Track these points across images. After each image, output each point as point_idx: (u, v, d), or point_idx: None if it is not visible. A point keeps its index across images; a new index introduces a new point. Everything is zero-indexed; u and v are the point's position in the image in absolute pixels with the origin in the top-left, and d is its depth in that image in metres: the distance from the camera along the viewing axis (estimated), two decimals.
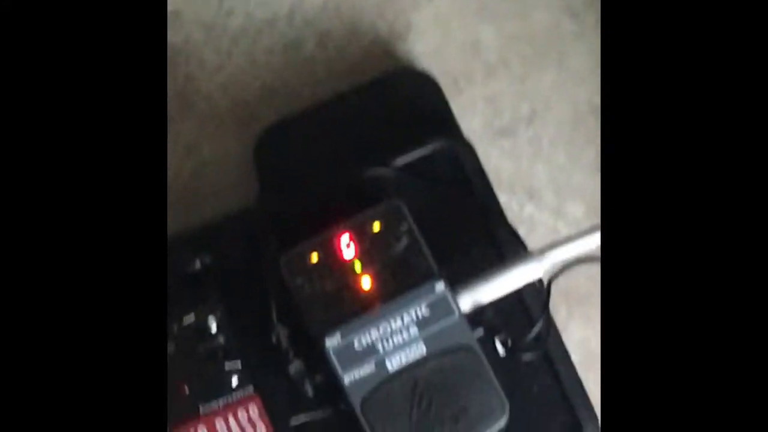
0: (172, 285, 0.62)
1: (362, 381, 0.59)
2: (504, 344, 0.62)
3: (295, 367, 0.61)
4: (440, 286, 0.60)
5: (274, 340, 0.62)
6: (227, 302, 0.63)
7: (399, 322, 0.60)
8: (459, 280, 0.61)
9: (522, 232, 0.66)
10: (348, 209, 0.63)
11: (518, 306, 0.64)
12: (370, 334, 0.60)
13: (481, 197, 0.66)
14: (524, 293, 0.64)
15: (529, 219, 0.70)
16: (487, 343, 0.61)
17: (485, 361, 0.60)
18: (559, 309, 0.69)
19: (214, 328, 0.63)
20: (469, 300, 0.61)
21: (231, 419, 0.62)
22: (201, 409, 0.62)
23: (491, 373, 0.60)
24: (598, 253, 0.57)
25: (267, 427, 0.62)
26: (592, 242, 0.61)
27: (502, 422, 0.60)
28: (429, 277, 0.61)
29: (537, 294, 0.64)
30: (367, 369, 0.60)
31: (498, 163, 0.71)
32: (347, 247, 0.61)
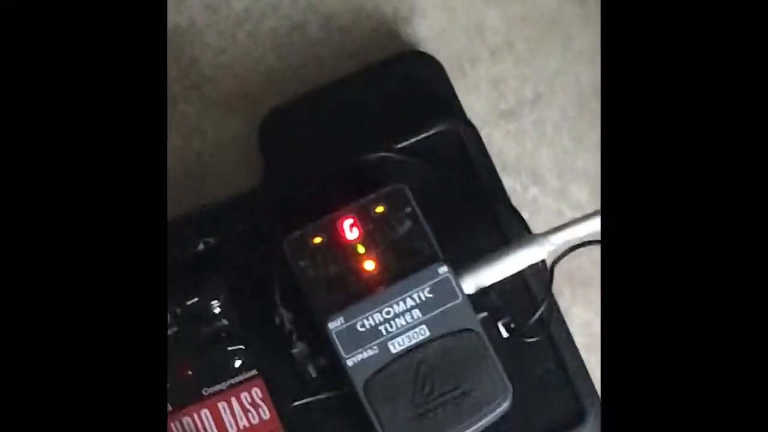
0: (175, 267, 0.62)
1: (365, 363, 0.60)
2: (507, 327, 0.62)
3: (298, 349, 0.61)
4: (443, 269, 0.60)
5: (277, 322, 0.62)
6: (231, 284, 0.63)
7: (402, 304, 0.60)
8: (462, 263, 0.61)
9: (526, 214, 0.66)
10: (352, 192, 0.63)
11: (522, 289, 0.64)
12: (373, 316, 0.60)
13: (484, 180, 0.66)
14: (528, 276, 0.64)
15: (533, 202, 0.70)
16: (491, 326, 0.62)
17: (488, 344, 0.60)
18: (562, 292, 0.69)
19: (217, 311, 0.63)
20: (472, 283, 0.61)
21: (234, 402, 0.62)
22: (204, 391, 0.62)
23: (494, 356, 0.60)
24: None
25: (270, 409, 0.62)
26: (596, 225, 0.61)
27: (506, 405, 0.60)
28: (432, 260, 0.61)
29: (540, 277, 0.64)
30: (370, 351, 0.60)
31: (502, 145, 0.71)
32: (351, 230, 0.62)
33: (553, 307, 0.64)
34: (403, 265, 0.61)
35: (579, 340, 0.65)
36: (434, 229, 0.62)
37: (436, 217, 0.62)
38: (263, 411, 0.62)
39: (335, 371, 0.61)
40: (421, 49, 0.71)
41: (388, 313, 0.60)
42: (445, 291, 0.60)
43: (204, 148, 0.71)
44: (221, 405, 0.62)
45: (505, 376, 0.60)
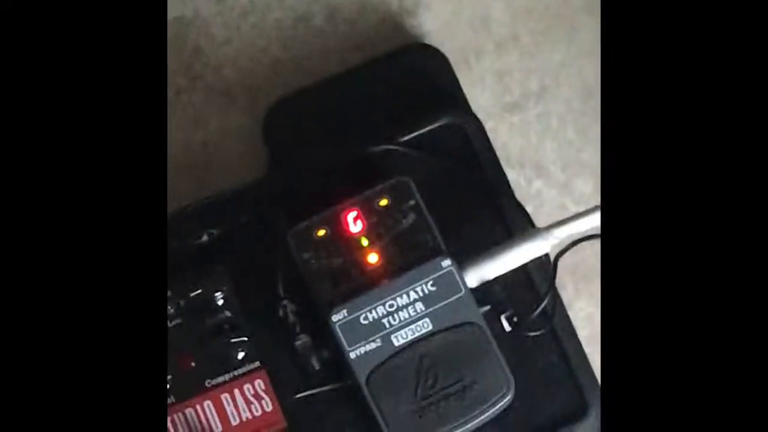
0: (178, 258, 0.62)
1: (368, 356, 0.60)
2: (510, 321, 0.62)
3: (301, 341, 0.61)
4: (447, 262, 0.60)
5: (280, 314, 0.62)
6: (234, 276, 0.64)
7: (405, 297, 0.60)
8: (466, 256, 0.61)
9: (530, 208, 0.66)
10: (356, 184, 0.63)
11: (525, 283, 0.64)
12: (376, 309, 0.60)
13: (489, 173, 0.66)
14: (531, 270, 0.64)
15: (537, 195, 0.70)
16: (494, 320, 0.62)
17: (491, 338, 0.60)
18: (565, 285, 0.69)
19: (220, 302, 0.63)
20: (475, 276, 0.61)
21: (237, 393, 0.62)
22: (207, 383, 0.62)
23: (497, 350, 0.60)
24: None
25: (273, 401, 0.62)
26: (599, 219, 0.61)
27: (508, 399, 0.60)
28: (436, 253, 0.61)
29: (544, 270, 0.64)
30: (373, 344, 0.60)
31: (507, 138, 0.71)
32: (355, 223, 0.62)
33: (556, 301, 0.64)
34: (406, 258, 0.61)
35: (582, 333, 0.65)
36: (438, 222, 0.62)
37: (440, 210, 0.62)
38: (266, 403, 0.62)
39: (338, 363, 0.61)
40: (426, 42, 0.71)
41: (391, 306, 0.60)
42: (448, 284, 0.60)
43: (208, 138, 0.71)
44: (224, 397, 0.62)
45: (507, 370, 0.60)
